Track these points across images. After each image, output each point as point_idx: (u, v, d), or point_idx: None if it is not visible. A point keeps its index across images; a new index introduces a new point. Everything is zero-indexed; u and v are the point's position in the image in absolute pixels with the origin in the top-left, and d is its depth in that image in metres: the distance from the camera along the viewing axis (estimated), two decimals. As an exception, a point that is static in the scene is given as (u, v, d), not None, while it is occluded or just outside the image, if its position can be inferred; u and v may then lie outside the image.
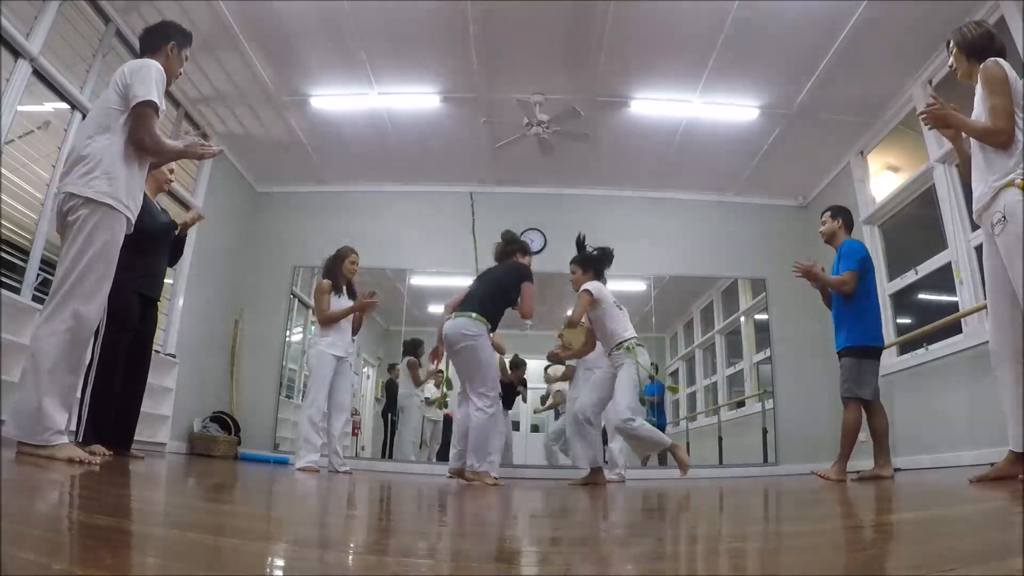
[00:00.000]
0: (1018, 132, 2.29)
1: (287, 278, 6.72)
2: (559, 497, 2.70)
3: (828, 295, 3.85)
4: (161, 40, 2.50)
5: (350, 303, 4.58)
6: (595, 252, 4.06)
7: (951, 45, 2.60)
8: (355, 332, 4.72)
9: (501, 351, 5.31)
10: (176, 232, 3.50)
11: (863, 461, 3.93)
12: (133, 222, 2.36)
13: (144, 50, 2.49)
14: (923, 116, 2.54)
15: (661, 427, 6.64)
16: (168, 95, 5.19)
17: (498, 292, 3.77)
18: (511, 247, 4.04)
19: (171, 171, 3.53)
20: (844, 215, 3.87)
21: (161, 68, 2.38)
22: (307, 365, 4.75)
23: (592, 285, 3.85)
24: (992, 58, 2.41)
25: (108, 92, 2.35)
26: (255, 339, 6.54)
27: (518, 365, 6.40)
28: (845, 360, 3.59)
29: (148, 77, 2.30)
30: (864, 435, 3.68)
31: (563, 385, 6.84)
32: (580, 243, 4.13)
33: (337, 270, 4.60)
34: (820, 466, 3.98)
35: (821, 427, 5.58)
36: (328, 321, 4.45)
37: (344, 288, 4.63)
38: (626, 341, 3.75)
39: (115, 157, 2.26)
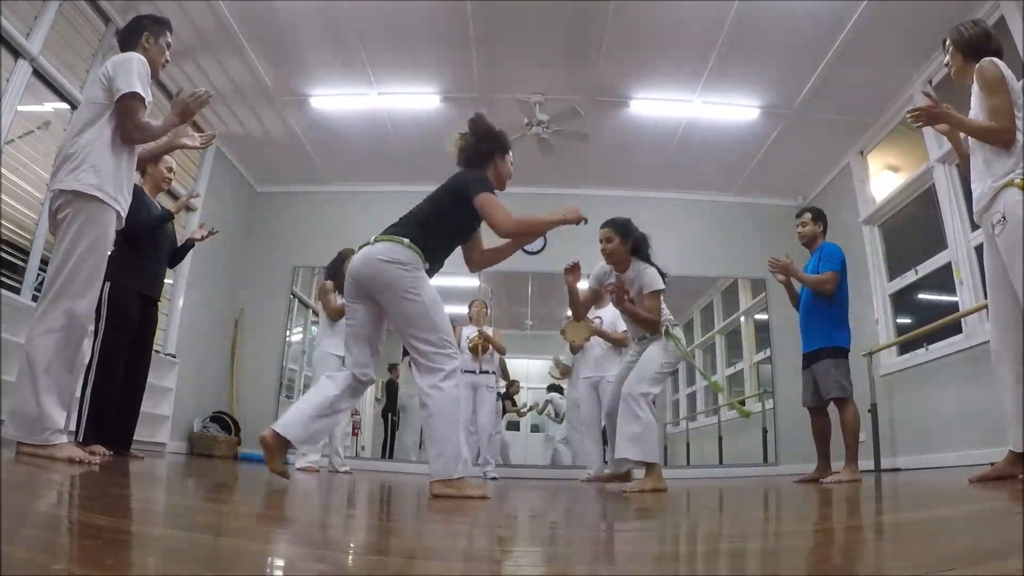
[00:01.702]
0: (1018, 133, 2.29)
1: (287, 278, 6.72)
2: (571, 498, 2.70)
3: (796, 297, 3.88)
4: (136, 34, 2.49)
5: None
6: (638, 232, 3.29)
7: (947, 43, 2.60)
8: None
9: (501, 351, 5.31)
10: (172, 220, 3.49)
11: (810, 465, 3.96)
12: (123, 216, 2.35)
13: (124, 49, 2.48)
14: (914, 113, 2.50)
15: None
16: (168, 95, 5.23)
17: (440, 211, 2.39)
18: (484, 145, 2.50)
19: (169, 169, 3.51)
20: (824, 219, 3.92)
21: (144, 60, 2.37)
22: (311, 366, 4.78)
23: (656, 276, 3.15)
24: (988, 58, 2.40)
25: (93, 89, 2.34)
26: (255, 339, 6.54)
27: (512, 383, 6.39)
28: (825, 362, 3.58)
29: (130, 70, 2.30)
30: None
31: (554, 394, 6.88)
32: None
33: (339, 271, 4.62)
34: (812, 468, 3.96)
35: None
36: (340, 314, 4.48)
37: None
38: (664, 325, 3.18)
39: (101, 151, 2.25)
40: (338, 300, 4.54)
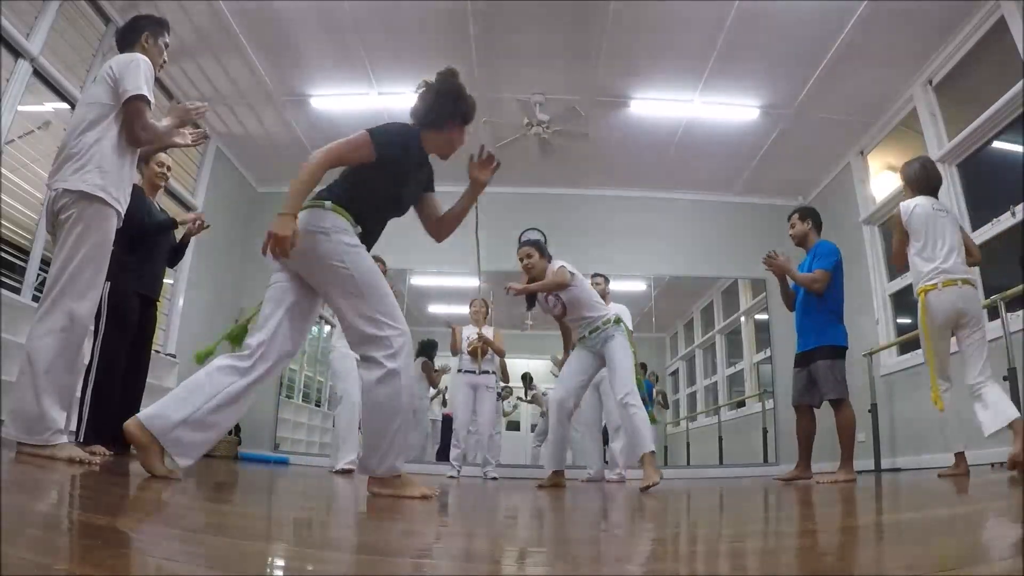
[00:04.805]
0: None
1: (287, 278, 6.70)
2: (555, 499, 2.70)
3: (791, 297, 3.84)
4: (135, 35, 2.49)
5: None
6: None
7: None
8: None
9: (500, 354, 5.30)
10: (176, 230, 3.49)
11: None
12: (123, 216, 2.35)
13: (123, 49, 2.48)
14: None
15: None
16: (168, 94, 5.23)
17: (364, 167, 2.09)
18: (443, 106, 2.32)
19: (161, 164, 3.43)
20: (813, 216, 3.86)
21: (148, 61, 2.38)
22: (332, 368, 4.65)
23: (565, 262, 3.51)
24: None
25: (95, 88, 2.34)
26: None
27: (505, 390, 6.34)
28: (822, 363, 3.56)
29: (137, 71, 2.30)
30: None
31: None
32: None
33: None
34: (818, 467, 3.98)
35: (821, 427, 5.56)
36: None
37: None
38: (610, 314, 3.47)
39: (106, 151, 2.25)
40: None
